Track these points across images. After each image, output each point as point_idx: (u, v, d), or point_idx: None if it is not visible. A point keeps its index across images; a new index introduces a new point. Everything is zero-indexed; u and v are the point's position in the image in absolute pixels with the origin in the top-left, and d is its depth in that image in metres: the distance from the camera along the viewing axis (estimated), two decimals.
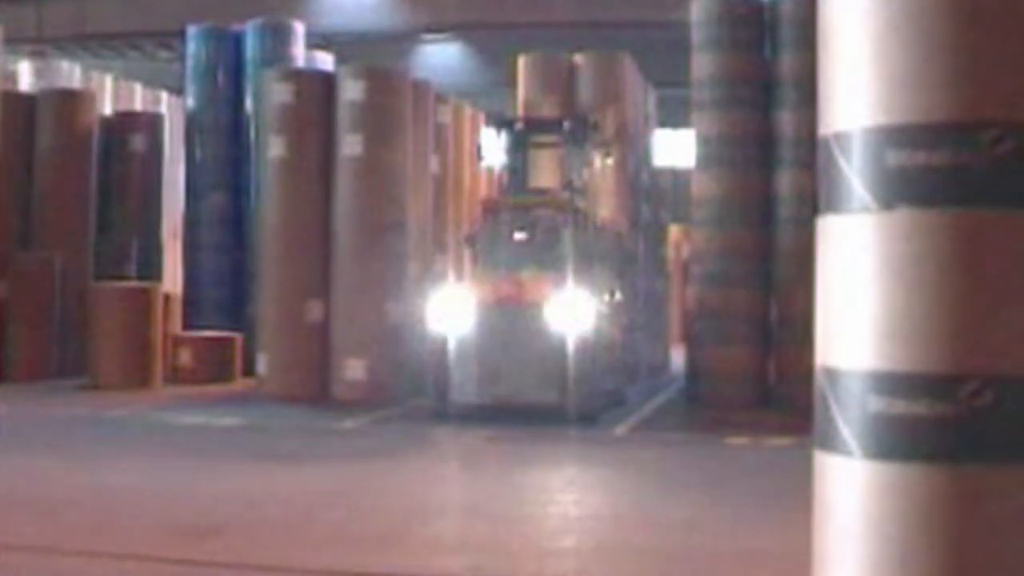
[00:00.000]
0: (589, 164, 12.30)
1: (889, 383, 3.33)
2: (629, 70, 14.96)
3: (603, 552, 6.24)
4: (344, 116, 12.78)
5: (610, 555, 6.17)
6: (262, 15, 16.79)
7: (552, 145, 12.91)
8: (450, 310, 10.98)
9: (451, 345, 10.88)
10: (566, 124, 12.37)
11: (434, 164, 14.12)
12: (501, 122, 12.83)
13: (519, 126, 12.68)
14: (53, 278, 14.45)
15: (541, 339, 10.72)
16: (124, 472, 8.26)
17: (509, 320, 10.86)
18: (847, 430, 3.40)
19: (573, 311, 10.71)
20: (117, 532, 6.33)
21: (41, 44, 22.83)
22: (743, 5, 12.99)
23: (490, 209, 12.23)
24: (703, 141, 12.90)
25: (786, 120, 12.49)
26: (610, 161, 13.08)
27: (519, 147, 12.63)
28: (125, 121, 16.47)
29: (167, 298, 14.62)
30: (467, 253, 11.63)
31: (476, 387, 10.85)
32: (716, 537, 6.49)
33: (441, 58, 25.77)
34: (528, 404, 10.82)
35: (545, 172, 13.11)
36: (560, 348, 10.62)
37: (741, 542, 6.33)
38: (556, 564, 5.93)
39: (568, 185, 12.10)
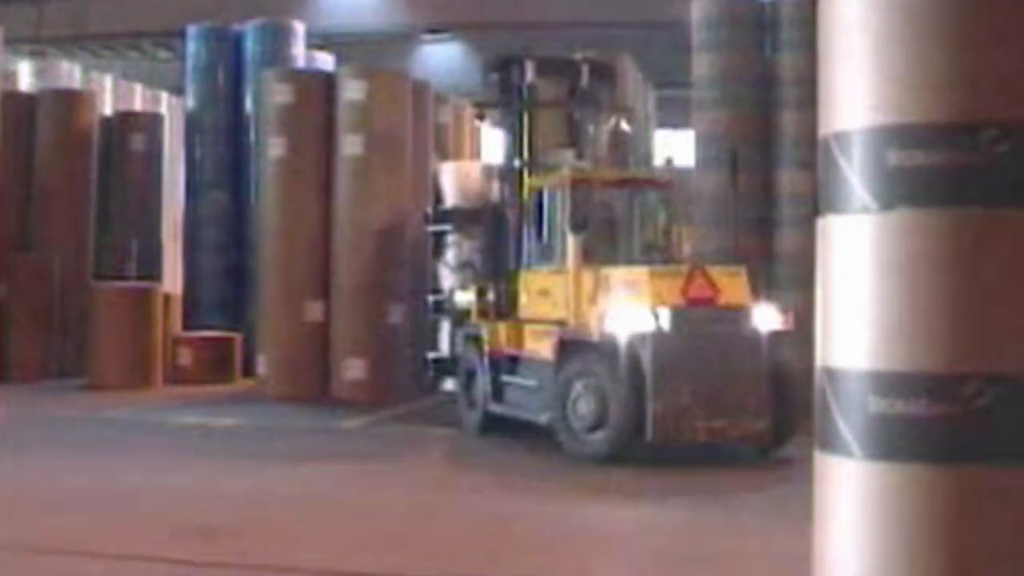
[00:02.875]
0: (603, 128, 10.58)
1: (889, 383, 3.33)
2: (629, 70, 14.96)
3: (612, 554, 6.25)
4: (344, 116, 12.78)
5: (618, 555, 6.17)
6: (262, 15, 16.79)
7: (559, 104, 10.68)
8: (631, 316, 8.41)
9: (647, 361, 8.25)
10: (583, 68, 10.36)
11: (434, 164, 14.12)
12: (505, 61, 10.39)
13: (528, 68, 10.24)
14: (53, 278, 14.45)
15: (750, 352, 8.53)
16: (124, 472, 8.27)
17: (710, 329, 8.57)
18: (847, 430, 3.40)
19: (774, 316, 8.71)
20: (117, 532, 6.34)
21: (41, 44, 22.83)
22: (743, 5, 12.99)
23: (581, 186, 9.59)
24: (703, 141, 12.89)
25: (786, 120, 12.49)
26: (625, 126, 11.27)
27: (526, 100, 10.32)
28: (125, 121, 16.48)
29: (167, 298, 14.62)
30: (571, 242, 9.13)
31: (689, 417, 8.33)
32: (714, 540, 6.50)
33: (441, 58, 25.76)
34: (740, 436, 8.56)
35: (546, 137, 10.76)
36: (766, 363, 8.53)
37: (733, 543, 6.34)
38: (558, 563, 5.94)
39: (624, 157, 10.64)
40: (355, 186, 12.72)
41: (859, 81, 3.41)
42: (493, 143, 14.87)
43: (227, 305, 15.27)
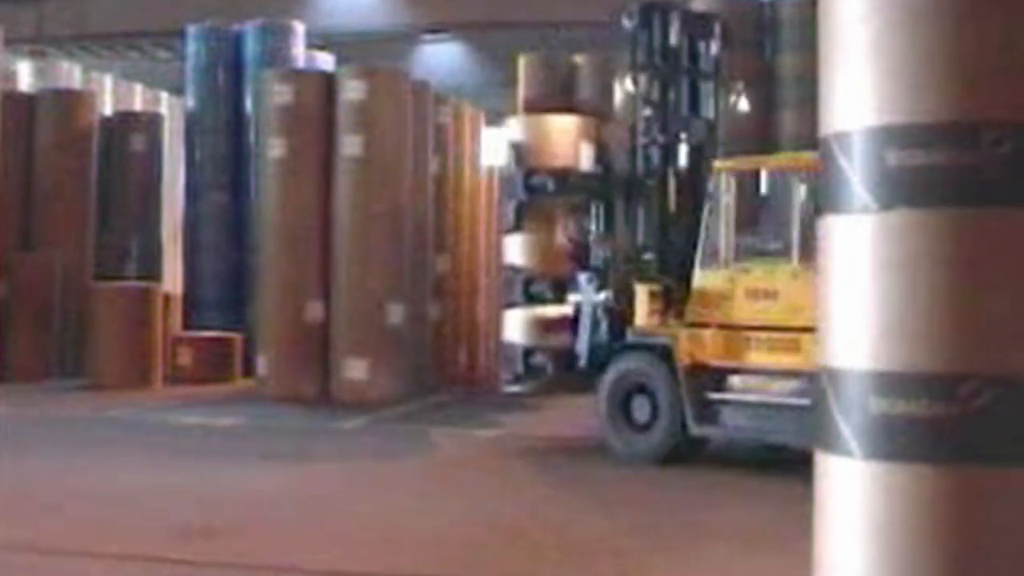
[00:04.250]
0: (726, 102, 9.62)
1: (889, 383, 3.33)
2: None
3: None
4: (344, 116, 12.77)
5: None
6: (262, 15, 16.79)
7: (702, 69, 9.48)
8: None
9: None
10: (717, 29, 9.28)
11: (434, 164, 14.11)
12: (648, 12, 9.17)
13: (674, 24, 9.15)
14: (53, 278, 14.44)
15: None
16: (125, 472, 8.26)
17: None
18: (848, 430, 3.40)
19: None
20: (118, 532, 6.34)
21: (41, 44, 22.82)
22: (743, 5, 13.01)
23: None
24: None
25: (786, 120, 12.51)
26: (744, 104, 10.21)
27: (671, 62, 9.11)
28: (125, 121, 16.46)
29: (167, 298, 14.62)
30: (803, 240, 7.88)
31: None
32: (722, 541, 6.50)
33: (441, 58, 25.73)
34: None
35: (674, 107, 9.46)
36: None
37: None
38: (555, 562, 5.94)
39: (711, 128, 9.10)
40: (355, 187, 12.71)
41: (860, 81, 3.42)
42: (494, 145, 14.89)
43: (227, 305, 15.26)
